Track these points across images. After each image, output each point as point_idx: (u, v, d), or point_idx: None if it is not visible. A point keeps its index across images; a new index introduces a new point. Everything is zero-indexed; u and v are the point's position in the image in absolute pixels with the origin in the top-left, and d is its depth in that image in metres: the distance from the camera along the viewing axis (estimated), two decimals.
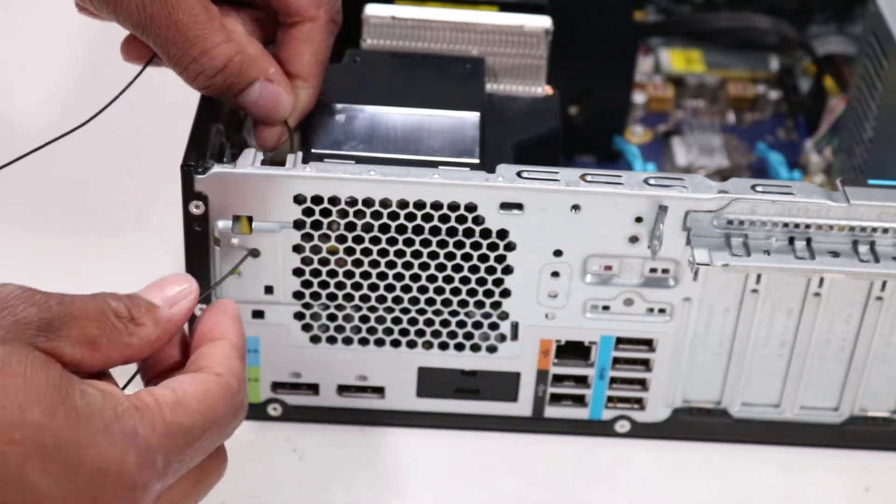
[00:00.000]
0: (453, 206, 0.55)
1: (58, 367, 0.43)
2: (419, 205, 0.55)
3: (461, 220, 0.55)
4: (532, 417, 0.62)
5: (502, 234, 0.56)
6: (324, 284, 0.57)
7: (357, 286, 0.57)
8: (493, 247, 0.56)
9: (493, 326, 0.59)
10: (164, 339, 0.48)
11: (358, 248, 0.56)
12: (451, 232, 0.56)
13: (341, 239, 0.56)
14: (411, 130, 0.58)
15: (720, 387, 0.61)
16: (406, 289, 0.57)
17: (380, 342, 0.59)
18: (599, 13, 0.71)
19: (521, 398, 0.61)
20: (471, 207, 0.55)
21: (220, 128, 0.57)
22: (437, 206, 0.55)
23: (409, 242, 0.56)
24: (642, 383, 0.61)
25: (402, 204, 0.55)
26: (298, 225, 0.55)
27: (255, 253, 0.56)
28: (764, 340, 0.59)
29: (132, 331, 0.47)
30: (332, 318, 0.58)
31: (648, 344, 0.59)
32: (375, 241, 0.56)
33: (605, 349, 0.59)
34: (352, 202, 0.55)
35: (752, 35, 0.83)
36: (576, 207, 0.55)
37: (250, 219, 0.55)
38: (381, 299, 0.58)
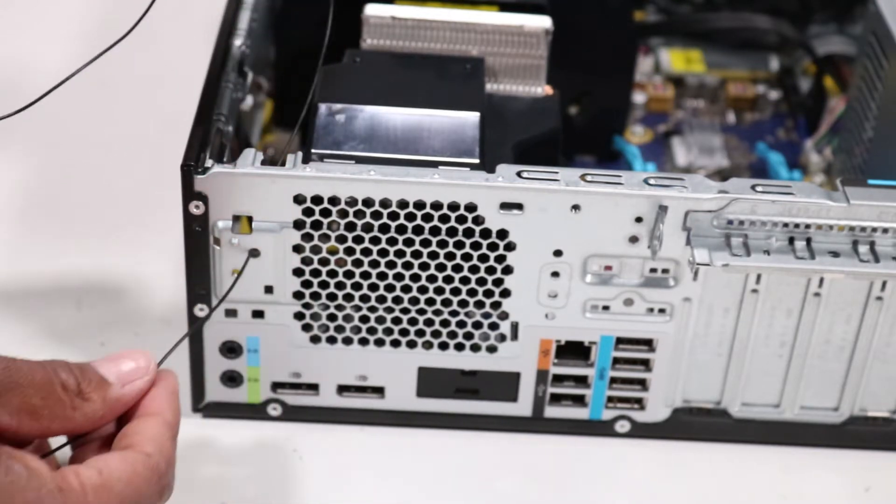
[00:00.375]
0: (453, 206, 0.55)
1: None
2: (419, 205, 0.55)
3: (461, 220, 0.55)
4: (532, 417, 0.62)
5: (502, 234, 0.56)
6: (324, 284, 0.57)
7: (357, 286, 0.57)
8: (493, 247, 0.56)
9: (493, 326, 0.59)
10: (108, 418, 0.48)
11: (358, 248, 0.56)
12: (451, 232, 0.56)
13: (341, 239, 0.56)
14: (411, 130, 0.58)
15: (720, 387, 0.61)
16: (406, 289, 0.57)
17: (380, 342, 0.59)
18: (599, 13, 0.71)
19: (521, 398, 0.61)
20: (471, 207, 0.55)
21: (220, 127, 0.57)
22: (437, 206, 0.55)
23: (409, 242, 0.56)
24: (642, 383, 0.61)
25: (402, 204, 0.55)
26: (298, 225, 0.55)
27: (255, 253, 0.56)
28: (764, 340, 0.59)
29: (77, 405, 0.47)
30: (332, 318, 0.58)
31: (648, 344, 0.59)
32: (375, 241, 0.56)
33: (605, 349, 0.59)
34: (352, 202, 0.55)
35: (752, 35, 0.83)
36: (576, 207, 0.55)
37: (250, 219, 0.55)
38: (381, 299, 0.58)
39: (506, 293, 0.57)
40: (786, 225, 0.55)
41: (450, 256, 0.56)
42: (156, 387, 0.50)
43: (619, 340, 0.59)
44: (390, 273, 0.57)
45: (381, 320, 0.58)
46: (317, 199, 0.55)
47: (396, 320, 0.58)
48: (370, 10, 0.64)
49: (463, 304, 0.58)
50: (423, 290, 0.57)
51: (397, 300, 0.58)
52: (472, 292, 0.57)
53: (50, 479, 0.43)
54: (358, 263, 0.56)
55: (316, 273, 0.57)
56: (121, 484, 0.45)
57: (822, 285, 0.57)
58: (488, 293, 0.57)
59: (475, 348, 0.59)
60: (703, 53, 0.84)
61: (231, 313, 0.58)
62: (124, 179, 0.77)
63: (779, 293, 0.57)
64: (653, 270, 0.57)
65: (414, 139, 0.57)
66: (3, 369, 0.44)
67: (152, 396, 0.49)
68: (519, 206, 0.55)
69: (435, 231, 0.55)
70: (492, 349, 0.59)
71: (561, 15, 0.65)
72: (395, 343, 0.59)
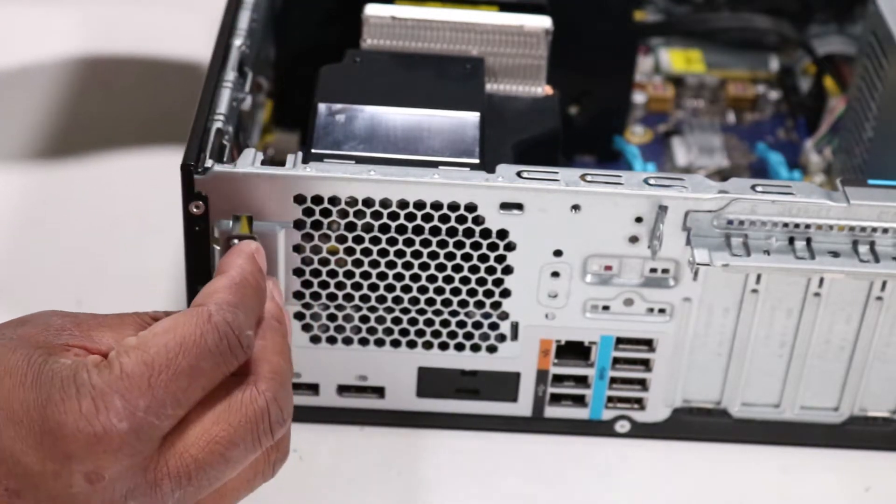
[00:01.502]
0: (453, 207, 0.55)
1: (44, 350, 0.44)
2: (419, 205, 0.55)
3: (461, 220, 0.55)
4: (532, 417, 0.62)
5: (502, 234, 0.56)
6: (324, 284, 0.57)
7: (357, 286, 0.57)
8: (493, 247, 0.56)
9: (493, 326, 0.59)
10: None
11: (358, 248, 0.56)
12: (451, 232, 0.56)
13: (341, 239, 0.56)
14: (411, 130, 0.58)
15: (720, 387, 0.61)
16: (406, 289, 0.57)
17: (380, 342, 0.59)
18: (599, 13, 0.71)
19: (521, 398, 0.61)
20: (471, 207, 0.55)
21: (220, 127, 0.57)
22: (437, 206, 0.55)
23: (409, 242, 0.56)
24: (642, 383, 0.61)
25: (402, 204, 0.55)
26: (298, 225, 0.55)
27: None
28: (764, 340, 0.59)
29: None
30: (332, 318, 0.58)
31: (648, 344, 0.59)
32: (375, 241, 0.56)
33: (605, 349, 0.59)
34: (352, 202, 0.55)
35: (752, 35, 0.83)
36: (576, 207, 0.55)
37: (250, 219, 0.55)
38: (381, 299, 0.58)
39: (506, 293, 0.57)
40: (786, 225, 0.55)
41: (450, 256, 0.56)
42: (229, 254, 0.50)
43: (619, 340, 0.59)
44: (390, 273, 0.57)
45: (381, 320, 0.58)
46: (317, 199, 0.55)
47: (396, 320, 0.58)
48: (370, 10, 0.64)
49: (463, 304, 0.58)
50: (423, 290, 0.57)
51: (397, 300, 0.58)
52: (472, 292, 0.57)
53: (91, 360, 0.44)
54: (358, 263, 0.56)
55: (316, 273, 0.57)
56: (157, 338, 0.45)
57: (822, 285, 0.57)
58: (488, 293, 0.57)
59: (475, 348, 0.59)
60: (703, 53, 0.84)
61: None
62: (124, 179, 0.77)
63: (779, 293, 0.57)
64: (653, 270, 0.57)
65: (414, 139, 0.57)
66: (87, 315, 0.47)
67: (224, 262, 0.50)
68: (519, 206, 0.55)
69: (435, 231, 0.55)
70: (492, 349, 0.59)
71: (561, 15, 0.65)
72: (395, 343, 0.59)
